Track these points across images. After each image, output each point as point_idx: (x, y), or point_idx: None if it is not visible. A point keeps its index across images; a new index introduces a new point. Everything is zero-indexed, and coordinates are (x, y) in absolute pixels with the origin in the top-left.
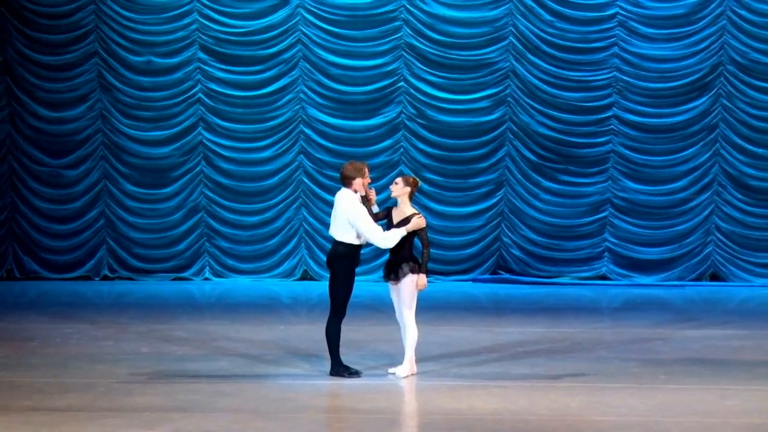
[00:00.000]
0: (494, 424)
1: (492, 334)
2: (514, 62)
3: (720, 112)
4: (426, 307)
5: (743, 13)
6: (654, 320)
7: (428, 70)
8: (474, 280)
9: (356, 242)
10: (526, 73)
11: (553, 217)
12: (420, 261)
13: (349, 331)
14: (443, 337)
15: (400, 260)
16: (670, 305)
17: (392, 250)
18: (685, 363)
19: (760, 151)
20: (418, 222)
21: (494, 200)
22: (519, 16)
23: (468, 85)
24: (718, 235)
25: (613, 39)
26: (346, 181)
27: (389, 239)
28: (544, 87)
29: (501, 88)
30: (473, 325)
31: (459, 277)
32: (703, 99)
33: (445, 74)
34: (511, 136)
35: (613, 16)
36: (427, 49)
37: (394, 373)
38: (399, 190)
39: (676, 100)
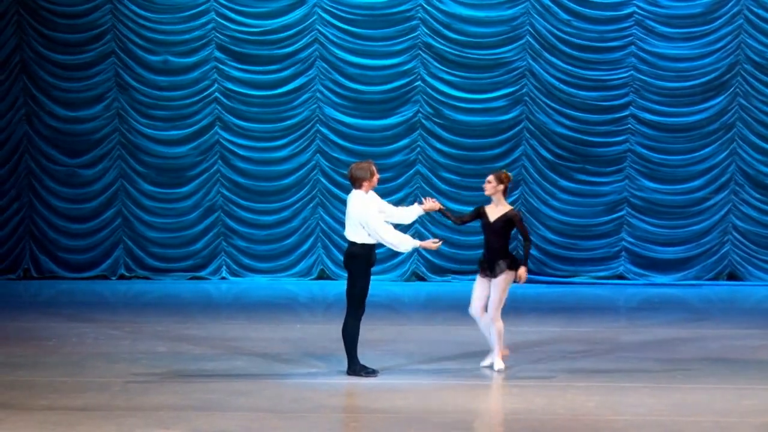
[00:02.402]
0: (512, 424)
1: (509, 333)
2: (530, 61)
3: (737, 111)
4: (443, 307)
5: (760, 12)
6: (671, 320)
7: (445, 69)
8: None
9: (369, 241)
10: (543, 72)
11: (570, 216)
12: (515, 257)
13: (366, 330)
14: (461, 337)
15: (496, 256)
16: (688, 305)
17: (487, 247)
18: (703, 362)
19: None
20: (431, 245)
21: (511, 199)
22: (536, 15)
23: (485, 84)
24: (735, 234)
25: (630, 38)
26: (356, 183)
27: (403, 243)
28: (561, 86)
29: (518, 87)
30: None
31: (474, 277)
32: (720, 98)
33: (462, 73)
34: (528, 135)
35: (630, 15)
36: (444, 48)
37: (489, 366)
38: (492, 188)
39: (693, 99)
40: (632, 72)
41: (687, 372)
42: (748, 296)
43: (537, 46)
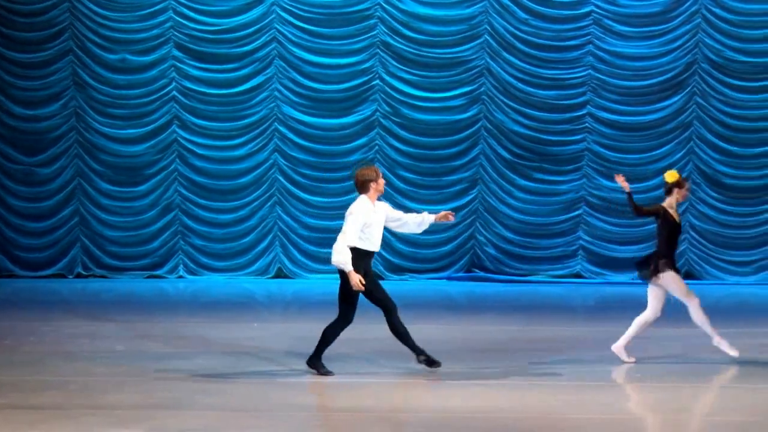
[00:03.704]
0: (474, 422)
1: (467, 332)
2: (489, 60)
3: (694, 110)
4: (401, 306)
5: (718, 11)
6: (629, 319)
7: (403, 68)
8: (449, 278)
9: (361, 246)
10: (500, 71)
11: (527, 215)
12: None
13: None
14: (418, 335)
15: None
16: (645, 303)
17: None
18: (661, 361)
19: (735, 149)
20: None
21: (469, 198)
22: (494, 14)
23: (443, 83)
24: (693, 233)
25: (588, 37)
26: (363, 188)
27: (339, 253)
28: (519, 85)
29: (476, 86)
30: (448, 323)
31: (433, 275)
32: (678, 97)
33: (420, 72)
34: (486, 134)
35: (588, 14)
36: (402, 47)
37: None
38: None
39: (650, 98)
40: (590, 71)
41: (647, 371)
42: (706, 295)
43: (495, 44)
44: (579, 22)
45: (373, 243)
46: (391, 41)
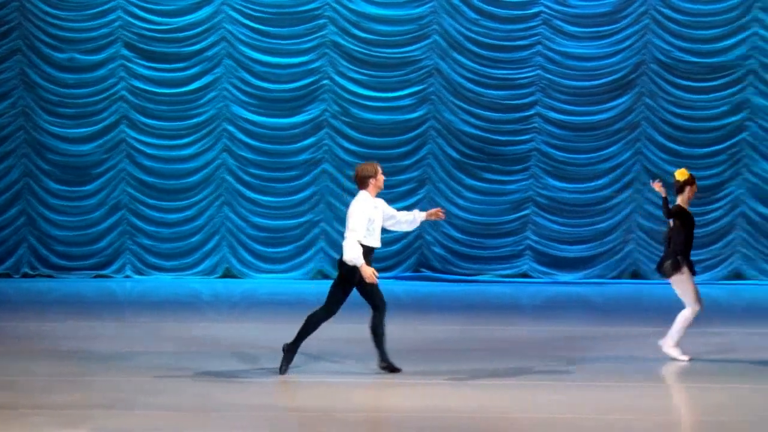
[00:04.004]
0: (419, 422)
1: (414, 331)
2: (438, 60)
3: (642, 110)
4: (348, 305)
5: (667, 11)
6: (575, 318)
7: (352, 67)
8: (396, 278)
9: (364, 242)
10: (450, 71)
11: (475, 214)
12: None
13: (270, 330)
14: (364, 335)
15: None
16: (591, 303)
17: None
18: (607, 360)
19: (682, 149)
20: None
21: (417, 198)
22: (444, 14)
23: (392, 82)
24: (640, 233)
25: (537, 37)
26: (362, 183)
27: (352, 249)
28: (468, 85)
29: (425, 85)
30: (395, 323)
31: (381, 275)
32: (626, 97)
33: (370, 72)
34: (435, 134)
35: (537, 14)
36: (352, 46)
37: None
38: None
39: (599, 98)
40: (539, 71)
41: (592, 370)
42: (651, 295)
43: (444, 44)
44: (528, 23)
45: (375, 238)
46: (341, 41)
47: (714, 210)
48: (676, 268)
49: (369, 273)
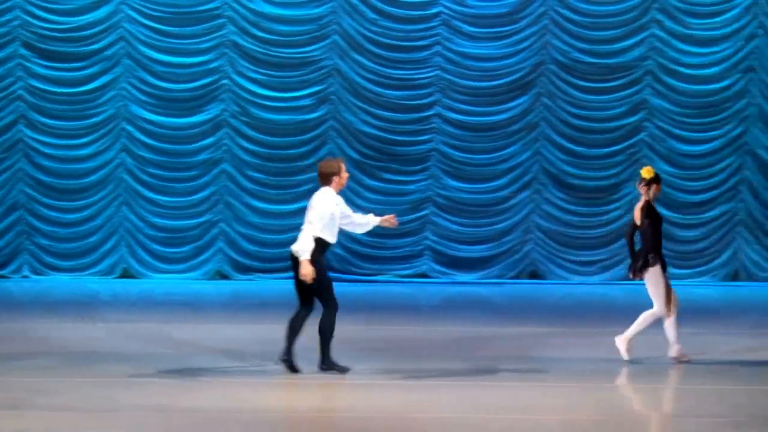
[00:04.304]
0: (316, 422)
1: (313, 331)
2: (337, 60)
3: (541, 110)
4: (247, 305)
5: (565, 12)
6: (474, 318)
7: (252, 67)
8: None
9: (324, 237)
10: (349, 71)
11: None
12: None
13: (171, 329)
14: (264, 335)
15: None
16: (490, 303)
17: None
18: (506, 360)
19: (580, 149)
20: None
21: None
22: (343, 14)
23: (291, 82)
24: (538, 233)
25: (436, 38)
26: (326, 180)
27: (303, 241)
28: (368, 85)
29: (325, 86)
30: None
31: (281, 275)
32: (525, 98)
33: (269, 72)
34: (335, 134)
35: (436, 14)
36: (251, 46)
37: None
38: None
39: (498, 98)
40: (438, 71)
41: (491, 370)
42: (550, 294)
43: (344, 44)
44: (428, 23)
45: (332, 234)
46: (240, 41)
47: (612, 210)
48: (645, 267)
49: (308, 270)
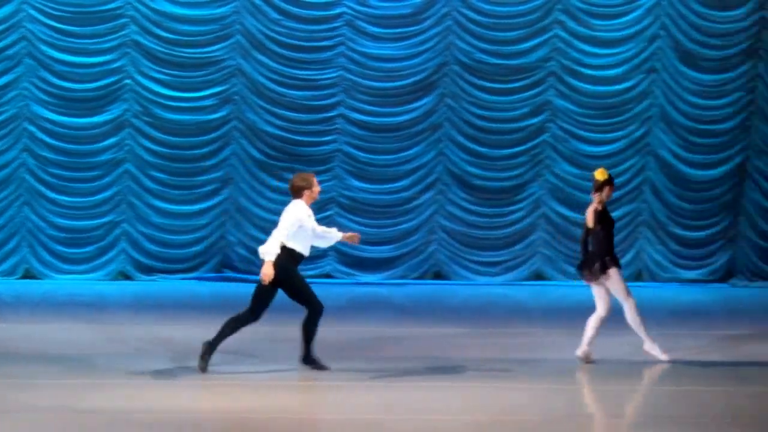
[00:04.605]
0: (219, 423)
1: (215, 333)
2: (241, 60)
3: (445, 111)
4: (150, 306)
5: (469, 13)
6: (379, 318)
7: (155, 67)
8: (198, 279)
9: (296, 248)
10: (253, 71)
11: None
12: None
13: (73, 331)
14: (168, 336)
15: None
16: (395, 303)
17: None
18: (410, 361)
19: (484, 150)
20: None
21: (220, 198)
22: (246, 14)
23: (195, 82)
24: (442, 233)
25: (340, 38)
26: (298, 193)
27: (270, 244)
28: (271, 85)
29: (228, 86)
30: (197, 324)
31: (184, 275)
32: (428, 98)
33: (172, 72)
34: (238, 135)
35: (340, 15)
36: (154, 46)
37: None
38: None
39: (401, 99)
40: (342, 72)
41: (396, 371)
42: (454, 295)
43: (247, 44)
44: (331, 23)
45: (305, 246)
46: (143, 40)
47: (516, 211)
48: (603, 270)
49: (269, 272)
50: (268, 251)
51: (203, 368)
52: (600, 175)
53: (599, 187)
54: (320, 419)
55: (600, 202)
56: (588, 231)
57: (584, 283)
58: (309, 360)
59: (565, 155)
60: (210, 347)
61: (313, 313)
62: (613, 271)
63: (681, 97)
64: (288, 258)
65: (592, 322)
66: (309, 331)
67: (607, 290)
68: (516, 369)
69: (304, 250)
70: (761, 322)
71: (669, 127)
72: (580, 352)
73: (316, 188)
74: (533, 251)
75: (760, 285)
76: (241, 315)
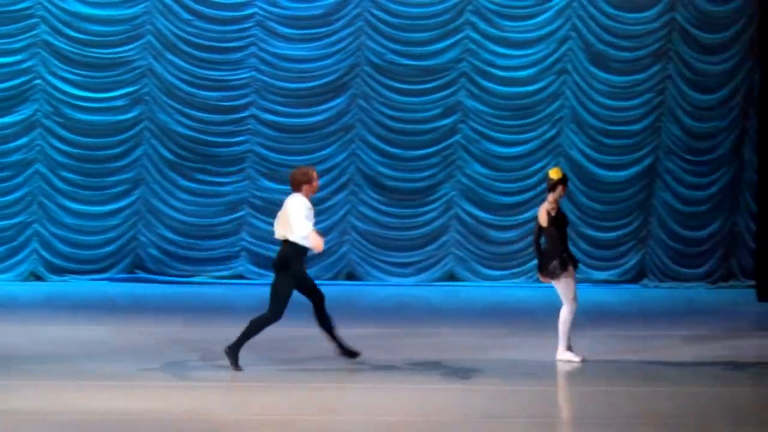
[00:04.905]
0: (133, 424)
1: (129, 333)
2: (152, 60)
3: (357, 112)
4: (61, 307)
5: (380, 14)
6: (291, 319)
7: (65, 67)
8: (110, 280)
9: (300, 243)
10: (164, 72)
11: (190, 216)
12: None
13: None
14: (80, 337)
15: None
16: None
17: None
18: (322, 362)
19: (396, 151)
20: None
21: (131, 199)
22: (157, 14)
23: (106, 83)
24: (354, 234)
25: (251, 39)
26: (297, 187)
27: (304, 228)
28: (182, 86)
29: (139, 86)
30: (110, 324)
31: (95, 276)
32: (340, 99)
33: (83, 72)
34: (149, 135)
35: (251, 15)
36: (65, 46)
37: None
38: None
39: (313, 99)
40: (253, 73)
41: (307, 371)
42: (367, 295)
43: (158, 45)
44: (242, 24)
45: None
46: (53, 40)
47: (428, 212)
48: (563, 267)
49: (319, 241)
50: (305, 230)
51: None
52: (554, 174)
53: (553, 186)
54: (232, 420)
55: (554, 201)
56: (540, 230)
57: (544, 283)
58: (232, 352)
59: (477, 156)
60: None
61: (268, 318)
62: (570, 271)
63: (592, 98)
64: (297, 255)
65: (561, 319)
66: (249, 330)
67: (574, 284)
68: (428, 370)
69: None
70: (672, 323)
71: (580, 128)
72: (559, 355)
73: (316, 183)
74: (445, 252)
75: (671, 285)
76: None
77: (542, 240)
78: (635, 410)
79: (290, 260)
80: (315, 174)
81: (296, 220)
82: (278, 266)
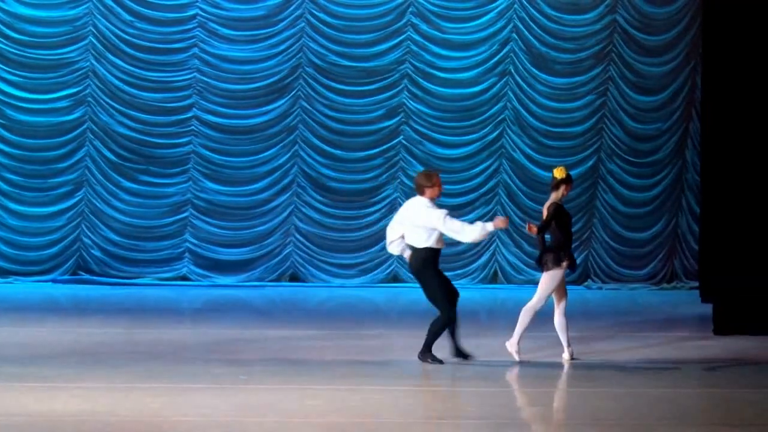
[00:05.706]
0: (76, 426)
1: (73, 335)
2: (94, 62)
3: (299, 113)
4: (5, 308)
5: (322, 15)
6: (234, 321)
7: (6, 68)
8: (54, 281)
9: (435, 245)
10: (106, 73)
11: (133, 217)
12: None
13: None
14: (23, 339)
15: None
16: (251, 306)
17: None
18: (266, 363)
19: (338, 152)
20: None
21: (74, 200)
22: (99, 16)
23: (47, 84)
24: (298, 236)
25: (193, 40)
26: (420, 190)
27: (474, 231)
28: (125, 87)
29: (81, 87)
30: (54, 326)
31: (39, 278)
32: (283, 100)
33: (24, 73)
34: (92, 136)
35: (193, 17)
36: (6, 47)
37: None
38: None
39: (256, 101)
40: (195, 74)
41: (251, 373)
42: (310, 297)
43: (100, 46)
44: (184, 25)
45: (440, 240)
46: None
47: (371, 213)
48: (557, 263)
49: (502, 219)
50: (476, 228)
51: (440, 360)
52: (559, 173)
53: (556, 185)
54: (176, 421)
55: (557, 199)
56: (544, 227)
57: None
58: (424, 355)
59: (419, 158)
60: (426, 352)
61: (442, 321)
62: (560, 269)
63: (534, 99)
64: (433, 257)
65: (559, 324)
66: (434, 334)
67: (562, 282)
68: (371, 371)
69: (440, 244)
70: (616, 324)
71: (522, 129)
72: (566, 355)
73: (437, 188)
74: (389, 253)
75: (614, 287)
76: (440, 318)
77: (548, 237)
78: (579, 411)
79: (427, 261)
80: (438, 179)
81: (456, 232)
82: (417, 272)
